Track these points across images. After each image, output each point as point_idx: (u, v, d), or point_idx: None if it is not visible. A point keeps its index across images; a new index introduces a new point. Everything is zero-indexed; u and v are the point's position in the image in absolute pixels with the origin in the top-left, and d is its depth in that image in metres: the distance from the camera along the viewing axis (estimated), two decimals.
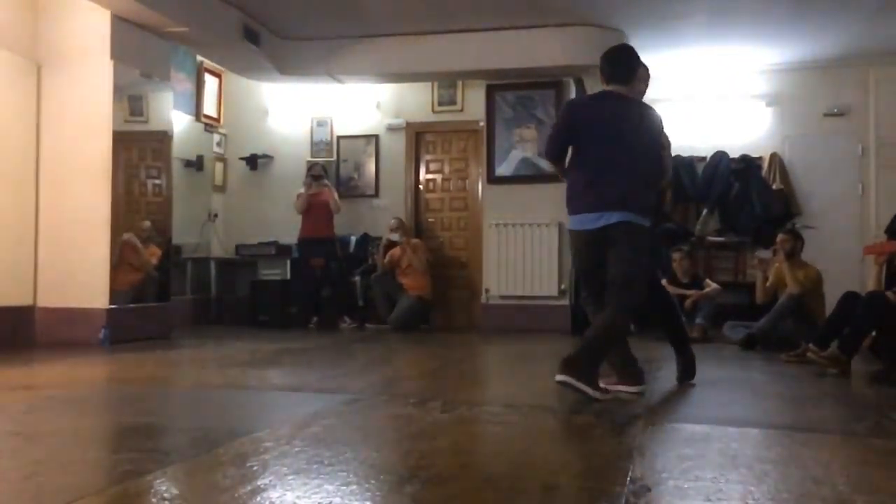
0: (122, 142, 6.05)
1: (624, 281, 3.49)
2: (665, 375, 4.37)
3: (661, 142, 3.77)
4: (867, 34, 7.26)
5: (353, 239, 8.46)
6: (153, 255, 6.48)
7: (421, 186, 8.55)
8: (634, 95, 3.79)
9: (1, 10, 5.72)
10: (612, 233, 3.52)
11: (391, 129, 8.55)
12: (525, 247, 7.69)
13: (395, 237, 7.84)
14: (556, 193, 7.94)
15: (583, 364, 3.37)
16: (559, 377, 3.34)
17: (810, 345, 4.83)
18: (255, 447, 2.48)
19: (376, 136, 8.59)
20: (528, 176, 7.78)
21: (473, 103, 8.18)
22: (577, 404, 3.31)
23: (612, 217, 3.52)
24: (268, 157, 8.81)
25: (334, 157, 8.65)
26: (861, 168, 8.18)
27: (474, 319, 7.99)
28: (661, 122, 3.80)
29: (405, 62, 7.52)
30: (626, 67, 3.73)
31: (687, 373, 4.03)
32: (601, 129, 3.62)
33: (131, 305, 6.12)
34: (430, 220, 8.55)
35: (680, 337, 4.11)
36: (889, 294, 4.90)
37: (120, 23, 5.91)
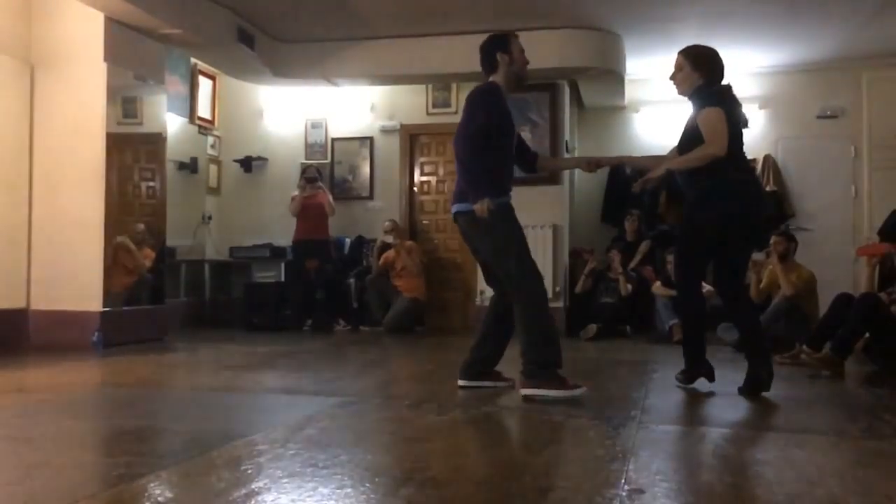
0: (116, 144, 6.03)
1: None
2: (660, 378, 4.38)
3: (464, 124, 3.78)
4: (860, 37, 7.30)
5: (348, 241, 8.45)
6: (147, 257, 6.46)
7: (415, 188, 8.55)
8: (511, 79, 3.88)
9: None
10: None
11: (385, 131, 8.55)
12: None
13: (389, 239, 7.83)
14: (551, 196, 7.99)
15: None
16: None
17: (803, 346, 4.85)
18: (249, 450, 2.48)
19: (371, 139, 8.59)
20: (522, 178, 7.70)
21: None
22: (572, 406, 3.31)
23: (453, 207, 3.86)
24: (262, 160, 8.80)
25: (329, 160, 8.64)
26: (854, 170, 8.22)
27: (469, 321, 7.98)
28: (474, 101, 3.79)
29: (399, 64, 7.53)
30: (485, 61, 3.91)
31: (748, 385, 3.76)
32: None
33: (125, 308, 6.10)
34: (424, 222, 8.55)
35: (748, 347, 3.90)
36: (882, 295, 4.93)
37: (113, 25, 5.90)
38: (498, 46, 3.87)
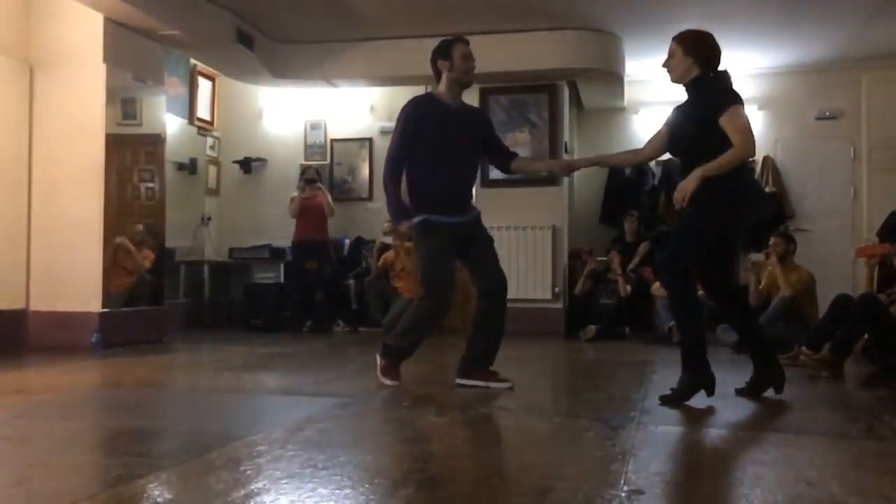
0: (115, 145, 6.03)
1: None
2: (659, 379, 4.38)
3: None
4: (859, 38, 7.30)
5: (347, 242, 8.45)
6: (146, 258, 6.46)
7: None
8: (452, 85, 3.93)
9: None
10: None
11: (385, 132, 8.54)
12: (519, 250, 7.68)
13: (388, 240, 7.83)
14: (550, 197, 8.00)
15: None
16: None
17: (803, 347, 4.84)
18: (248, 451, 2.48)
19: (370, 139, 8.59)
20: (522, 179, 7.77)
21: None
22: (571, 407, 3.31)
23: None
24: (261, 161, 8.80)
25: (328, 161, 8.65)
26: (853, 171, 8.22)
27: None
28: (397, 119, 3.94)
29: (398, 65, 7.52)
30: (432, 70, 3.99)
31: (753, 387, 3.70)
32: None
33: (124, 309, 6.10)
34: None
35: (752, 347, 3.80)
36: (881, 296, 4.93)
37: (113, 26, 5.90)
38: (438, 54, 3.94)
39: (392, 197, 3.87)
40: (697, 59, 3.54)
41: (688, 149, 3.57)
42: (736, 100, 3.47)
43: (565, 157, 7.92)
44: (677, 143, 3.63)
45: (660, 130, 3.76)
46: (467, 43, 3.94)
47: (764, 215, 3.78)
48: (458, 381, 3.91)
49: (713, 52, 3.59)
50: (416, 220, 3.83)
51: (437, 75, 3.96)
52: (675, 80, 3.64)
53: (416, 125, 3.82)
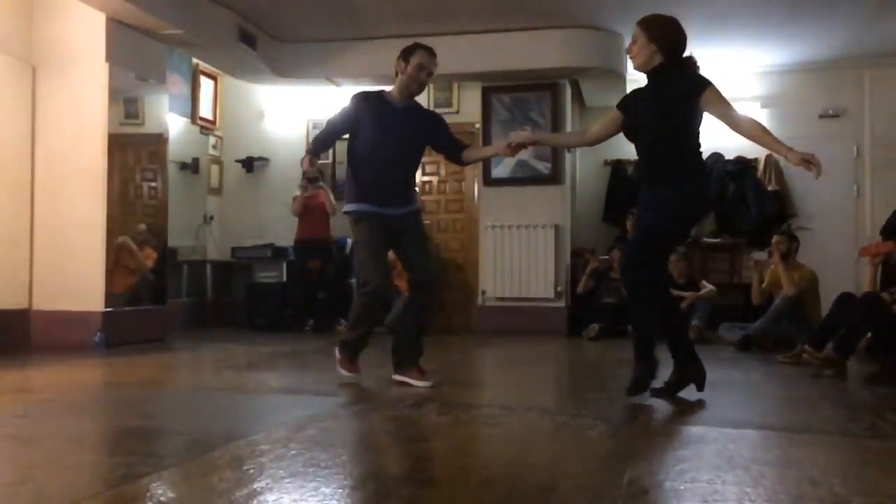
0: (118, 144, 6.03)
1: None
2: (662, 377, 4.37)
3: None
4: (862, 36, 7.29)
5: (349, 241, 8.44)
6: (149, 257, 6.46)
7: (417, 188, 8.52)
8: (401, 88, 4.05)
9: None
10: None
11: None
12: (521, 249, 7.69)
13: None
14: (552, 195, 7.99)
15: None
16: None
17: (806, 346, 4.84)
18: (251, 450, 2.48)
19: None
20: (524, 178, 7.79)
21: (469, 105, 8.18)
22: (574, 406, 3.31)
23: None
24: (264, 160, 8.80)
25: (330, 159, 8.64)
26: (856, 170, 8.21)
27: (470, 321, 7.98)
28: None
29: None
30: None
31: (673, 385, 3.60)
32: None
33: (127, 308, 6.10)
34: (426, 222, 8.52)
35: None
36: (885, 295, 4.92)
37: (115, 25, 5.90)
38: (401, 54, 4.04)
39: (318, 141, 4.21)
40: (661, 46, 3.43)
41: (656, 135, 3.46)
42: (706, 80, 3.41)
43: (567, 155, 7.93)
44: (643, 129, 3.52)
45: (610, 115, 3.67)
46: (432, 54, 4.00)
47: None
48: (394, 376, 4.04)
49: (678, 38, 3.48)
50: (348, 208, 4.02)
51: (395, 73, 4.07)
52: (637, 67, 3.53)
53: (353, 115, 4.05)
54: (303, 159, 4.09)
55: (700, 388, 3.55)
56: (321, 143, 4.18)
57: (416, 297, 4.05)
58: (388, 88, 4.12)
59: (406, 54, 4.00)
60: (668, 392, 3.51)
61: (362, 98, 4.08)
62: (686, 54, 3.52)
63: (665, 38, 3.44)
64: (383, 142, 3.97)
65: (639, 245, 3.54)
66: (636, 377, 3.45)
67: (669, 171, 3.44)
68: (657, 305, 3.50)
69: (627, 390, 3.46)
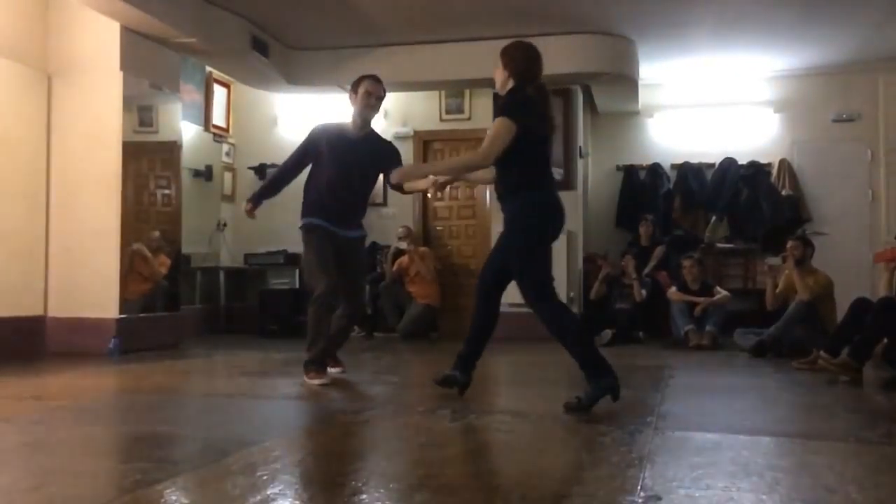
0: (132, 152, 6.08)
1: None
2: (676, 383, 4.36)
3: None
4: (876, 40, 7.25)
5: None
6: (162, 264, 6.50)
7: (429, 195, 8.50)
8: (354, 117, 4.44)
9: (11, 21, 5.77)
10: None
11: (399, 137, 8.53)
12: None
13: (403, 245, 7.84)
14: (565, 201, 7.92)
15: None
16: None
17: (821, 352, 4.79)
18: (264, 456, 2.48)
19: None
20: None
21: (481, 111, 8.18)
22: (587, 413, 3.30)
23: None
24: (276, 167, 8.80)
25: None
26: (871, 174, 8.16)
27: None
28: None
29: (413, 71, 7.54)
30: None
31: (587, 399, 3.41)
32: None
33: (141, 315, 6.13)
34: (438, 228, 8.55)
35: None
36: None
37: (129, 34, 5.95)
38: (350, 87, 4.38)
39: (261, 188, 4.64)
40: (512, 72, 3.57)
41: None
42: (507, 111, 3.43)
43: (580, 161, 7.92)
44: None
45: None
46: (377, 80, 4.40)
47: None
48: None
49: (529, 65, 3.58)
50: (302, 222, 4.32)
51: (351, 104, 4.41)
52: (496, 91, 3.73)
53: (311, 146, 4.39)
54: (245, 209, 4.49)
55: (615, 398, 3.38)
56: (268, 189, 4.55)
57: (343, 321, 4.42)
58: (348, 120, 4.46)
59: (355, 86, 4.37)
60: (583, 408, 3.33)
61: (321, 129, 4.42)
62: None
63: (515, 65, 3.58)
64: (339, 169, 4.28)
65: (523, 278, 3.87)
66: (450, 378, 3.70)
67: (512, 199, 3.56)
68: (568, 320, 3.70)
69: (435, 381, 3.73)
